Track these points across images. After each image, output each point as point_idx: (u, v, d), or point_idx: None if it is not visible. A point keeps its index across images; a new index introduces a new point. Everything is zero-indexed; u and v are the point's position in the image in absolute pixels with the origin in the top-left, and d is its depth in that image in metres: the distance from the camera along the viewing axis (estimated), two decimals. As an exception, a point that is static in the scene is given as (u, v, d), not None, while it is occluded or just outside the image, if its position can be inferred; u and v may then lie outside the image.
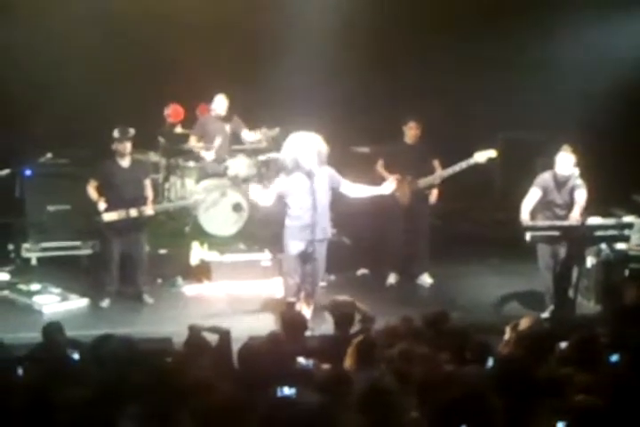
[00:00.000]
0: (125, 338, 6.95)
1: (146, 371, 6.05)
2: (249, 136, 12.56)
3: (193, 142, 12.41)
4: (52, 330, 7.58)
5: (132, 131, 10.15)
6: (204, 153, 12.34)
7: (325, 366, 6.69)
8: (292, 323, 7.62)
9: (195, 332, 7.35)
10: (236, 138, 12.62)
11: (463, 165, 10.56)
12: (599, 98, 12.41)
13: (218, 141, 12.19)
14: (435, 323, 7.50)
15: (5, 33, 12.03)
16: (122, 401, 5.66)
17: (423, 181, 10.75)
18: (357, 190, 9.57)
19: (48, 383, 5.95)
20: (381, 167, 10.82)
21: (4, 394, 5.77)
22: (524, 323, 7.53)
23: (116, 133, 10.07)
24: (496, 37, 12.70)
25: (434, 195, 10.84)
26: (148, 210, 10.19)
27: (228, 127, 12.42)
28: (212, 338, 7.33)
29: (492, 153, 10.52)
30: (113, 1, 12.41)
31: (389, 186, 9.69)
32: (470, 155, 10.49)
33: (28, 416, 5.53)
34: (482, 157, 10.50)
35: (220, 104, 12.36)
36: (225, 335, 7.32)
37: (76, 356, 7.07)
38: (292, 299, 9.40)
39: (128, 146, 10.12)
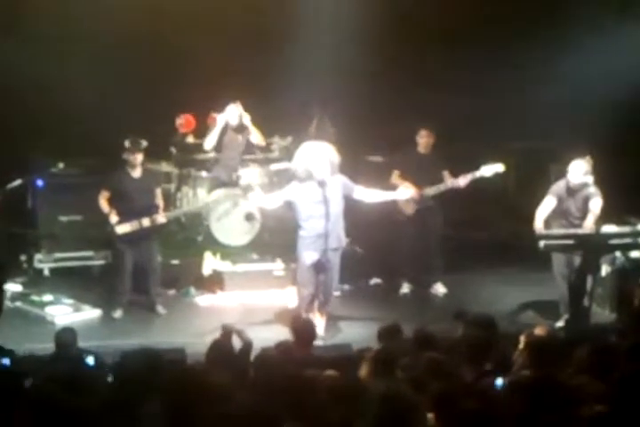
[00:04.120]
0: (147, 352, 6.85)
1: (168, 376, 6.01)
2: (255, 138, 12.31)
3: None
4: (66, 336, 7.57)
5: (144, 143, 10.13)
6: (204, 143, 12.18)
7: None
8: (301, 332, 7.61)
9: (227, 331, 7.44)
10: (248, 148, 12.55)
11: (468, 177, 10.52)
12: (614, 107, 12.36)
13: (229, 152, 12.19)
14: (486, 327, 7.44)
15: (16, 44, 12.05)
16: (141, 407, 5.65)
17: (429, 190, 10.69)
18: (372, 195, 9.56)
19: (61, 391, 5.91)
20: (397, 178, 10.70)
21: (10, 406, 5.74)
22: (539, 332, 7.49)
23: (127, 144, 10.07)
24: (513, 50, 12.65)
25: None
26: (160, 218, 10.18)
27: (240, 137, 12.37)
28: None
29: (499, 167, 10.44)
30: (125, 10, 12.39)
31: (406, 191, 9.66)
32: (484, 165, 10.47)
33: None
34: (488, 171, 10.44)
35: (231, 114, 12.30)
36: (247, 345, 7.35)
37: (90, 361, 7.05)
38: (305, 309, 9.36)
39: (139, 157, 10.11)
